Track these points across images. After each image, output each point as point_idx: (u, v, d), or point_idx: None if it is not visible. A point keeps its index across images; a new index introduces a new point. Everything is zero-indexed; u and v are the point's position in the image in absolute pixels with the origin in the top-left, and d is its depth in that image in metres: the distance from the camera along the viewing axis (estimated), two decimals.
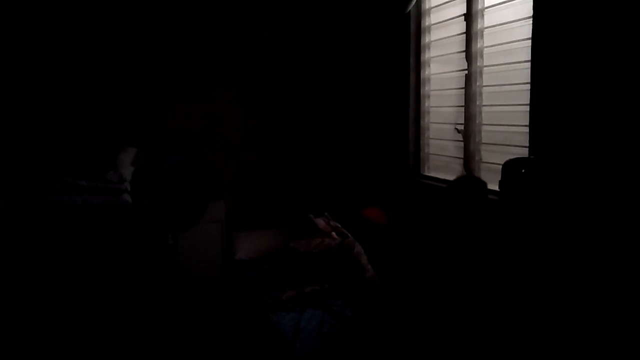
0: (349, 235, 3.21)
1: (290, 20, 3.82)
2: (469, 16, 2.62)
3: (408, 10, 3.05)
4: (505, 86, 2.43)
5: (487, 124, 2.59)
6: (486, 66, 2.55)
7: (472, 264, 2.38)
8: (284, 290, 2.79)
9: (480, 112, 2.62)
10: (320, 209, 3.55)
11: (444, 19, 2.93)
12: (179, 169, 3.04)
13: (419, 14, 3.15)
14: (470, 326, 2.24)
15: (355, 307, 2.61)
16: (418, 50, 3.17)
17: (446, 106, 2.98)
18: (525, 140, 2.21)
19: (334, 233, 3.22)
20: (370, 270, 2.87)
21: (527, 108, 2.19)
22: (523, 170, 2.06)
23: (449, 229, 2.58)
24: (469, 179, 2.60)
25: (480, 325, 2.20)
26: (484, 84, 2.58)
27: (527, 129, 2.19)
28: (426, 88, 3.15)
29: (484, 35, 2.56)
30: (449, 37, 2.87)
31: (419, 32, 3.16)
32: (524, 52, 2.24)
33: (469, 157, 2.67)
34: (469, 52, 2.62)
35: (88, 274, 3.00)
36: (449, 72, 2.91)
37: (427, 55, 3.13)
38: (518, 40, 2.30)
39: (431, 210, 2.90)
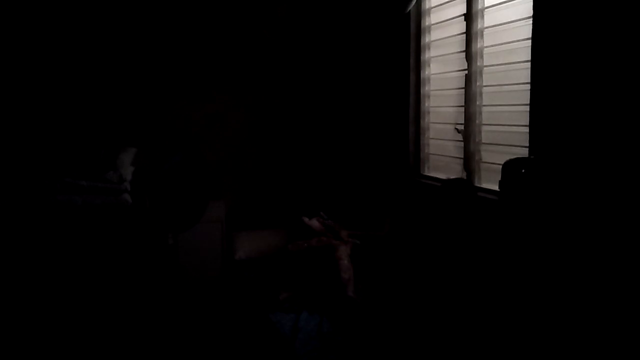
0: (342, 236, 3.18)
1: (290, 20, 3.82)
2: (469, 16, 2.62)
3: (408, 10, 3.05)
4: (505, 86, 2.43)
5: (487, 124, 2.59)
6: (486, 66, 2.55)
7: (465, 263, 2.37)
8: (280, 291, 2.80)
9: (480, 112, 2.62)
10: (319, 209, 3.55)
11: (444, 19, 2.93)
12: (179, 169, 3.04)
13: (419, 14, 3.15)
14: (467, 326, 2.24)
15: (330, 314, 2.58)
16: (418, 50, 3.17)
17: (446, 106, 2.97)
18: (525, 140, 2.20)
19: (329, 233, 3.22)
20: (345, 279, 2.78)
21: (527, 108, 2.18)
22: (523, 170, 2.06)
23: (440, 229, 2.58)
24: (455, 181, 2.60)
25: (478, 325, 2.20)
26: (484, 84, 2.58)
27: (527, 129, 2.19)
28: (426, 88, 3.15)
29: (484, 35, 2.56)
30: (449, 37, 2.87)
31: (419, 32, 3.16)
32: (524, 52, 2.23)
33: (469, 157, 2.67)
34: (469, 52, 2.61)
35: (88, 273, 3.00)
36: (449, 72, 2.91)
37: (427, 55, 3.13)
38: (518, 40, 2.30)
39: (428, 211, 2.90)
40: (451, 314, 2.36)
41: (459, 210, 2.44)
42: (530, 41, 2.16)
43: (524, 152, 2.21)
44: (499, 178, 2.12)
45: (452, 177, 2.74)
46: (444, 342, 2.23)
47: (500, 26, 2.44)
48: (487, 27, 2.53)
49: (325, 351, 2.23)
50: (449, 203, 2.49)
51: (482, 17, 2.56)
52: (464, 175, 2.73)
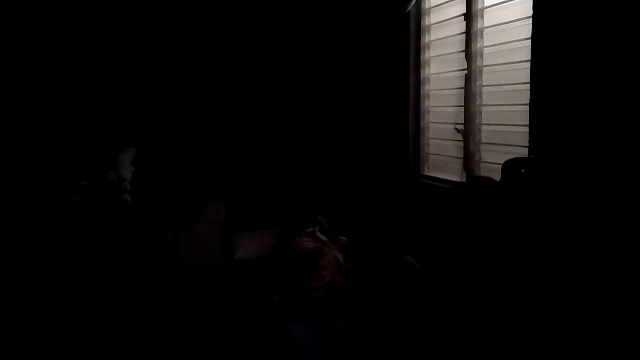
0: (329, 241, 3.18)
1: (290, 20, 3.83)
2: (469, 16, 2.61)
3: (408, 10, 3.05)
4: (505, 86, 2.43)
5: (487, 124, 2.59)
6: (486, 66, 2.55)
7: (486, 266, 2.34)
8: (276, 292, 2.81)
9: (480, 112, 2.62)
10: (319, 209, 3.54)
11: (444, 19, 2.93)
12: (179, 170, 3.04)
13: (419, 14, 3.15)
14: (471, 327, 2.24)
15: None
16: (418, 50, 3.17)
17: (446, 106, 2.97)
18: (525, 140, 2.20)
19: (320, 235, 3.23)
20: (319, 288, 2.76)
21: (527, 108, 2.18)
22: (523, 170, 2.06)
23: (463, 231, 2.54)
24: (481, 180, 2.55)
25: (482, 326, 2.20)
26: (484, 84, 2.58)
27: (527, 129, 2.19)
28: (426, 88, 3.15)
29: (484, 35, 2.55)
30: (449, 37, 2.87)
31: (419, 32, 3.16)
32: (524, 52, 2.23)
33: (469, 157, 2.67)
34: (469, 52, 2.61)
35: (88, 273, 3.00)
36: (449, 72, 2.91)
37: (427, 55, 3.13)
38: (518, 40, 2.30)
39: (436, 212, 2.88)
40: (456, 313, 2.35)
41: (486, 210, 2.38)
42: (530, 41, 2.16)
43: (524, 152, 2.21)
44: (499, 178, 2.12)
45: (475, 176, 2.68)
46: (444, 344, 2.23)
47: (500, 26, 2.44)
48: (487, 27, 2.53)
49: (324, 351, 2.23)
50: (475, 203, 2.43)
51: (482, 17, 2.56)
52: (464, 176, 2.73)
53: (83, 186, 3.03)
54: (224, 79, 3.74)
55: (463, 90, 2.66)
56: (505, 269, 2.17)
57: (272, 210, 3.88)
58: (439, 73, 3.04)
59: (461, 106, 2.71)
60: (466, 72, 2.64)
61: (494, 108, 2.55)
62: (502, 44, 2.42)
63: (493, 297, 2.22)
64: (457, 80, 2.78)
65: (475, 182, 2.57)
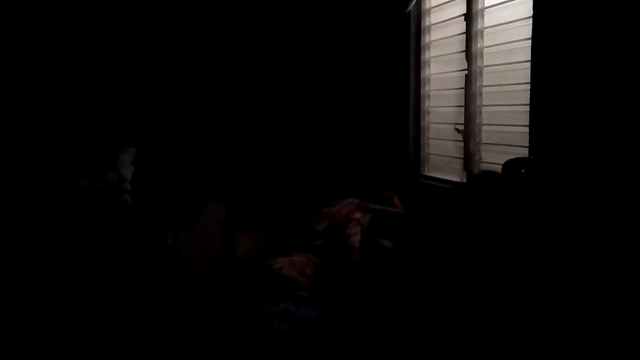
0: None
1: (290, 20, 3.82)
2: (469, 16, 2.62)
3: (408, 10, 3.05)
4: (505, 86, 2.43)
5: (487, 124, 2.59)
6: (486, 66, 2.55)
7: (485, 264, 2.32)
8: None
9: (480, 112, 2.62)
10: (319, 209, 3.53)
11: (444, 19, 2.93)
12: (179, 170, 3.04)
13: (419, 14, 3.15)
14: (470, 328, 2.23)
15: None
16: (418, 50, 3.17)
17: (446, 106, 2.98)
18: (525, 140, 2.21)
19: None
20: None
21: (527, 108, 2.19)
22: (523, 170, 2.06)
23: (463, 228, 2.52)
24: (488, 174, 2.52)
25: (481, 327, 2.20)
26: (484, 84, 2.58)
27: (527, 129, 2.19)
28: (426, 88, 3.15)
29: (484, 35, 2.56)
30: (449, 37, 2.87)
31: (419, 32, 3.16)
32: (524, 52, 2.24)
33: (469, 157, 2.67)
34: (469, 52, 2.61)
35: (88, 273, 3.00)
36: (449, 72, 2.91)
37: (427, 55, 3.13)
38: (518, 40, 2.30)
39: (436, 212, 2.88)
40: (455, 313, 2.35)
41: (489, 205, 2.34)
42: (530, 41, 2.16)
43: (524, 152, 2.21)
44: None
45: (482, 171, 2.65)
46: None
47: (500, 26, 2.44)
48: (487, 27, 2.53)
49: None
50: (479, 197, 2.40)
51: (482, 17, 2.56)
52: (464, 176, 2.73)
53: (83, 186, 3.03)
54: (224, 79, 3.74)
55: (463, 90, 2.66)
56: (503, 268, 2.17)
57: (273, 209, 3.88)
58: (439, 73, 3.05)
59: (461, 106, 2.72)
60: (466, 72, 2.64)
61: (494, 108, 2.55)
62: (502, 44, 2.42)
63: (491, 293, 2.22)
64: (457, 80, 2.78)
65: (480, 177, 2.56)
